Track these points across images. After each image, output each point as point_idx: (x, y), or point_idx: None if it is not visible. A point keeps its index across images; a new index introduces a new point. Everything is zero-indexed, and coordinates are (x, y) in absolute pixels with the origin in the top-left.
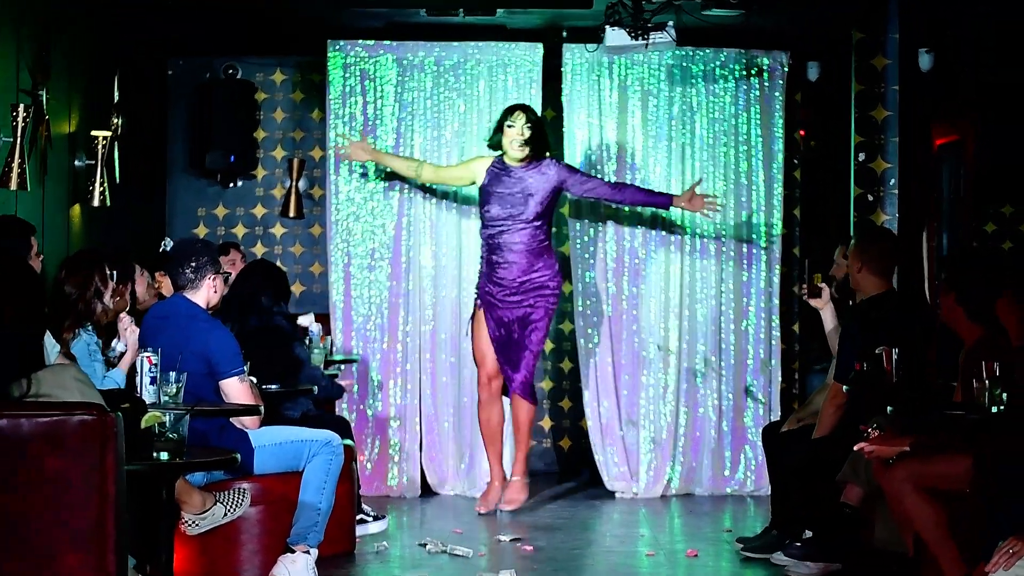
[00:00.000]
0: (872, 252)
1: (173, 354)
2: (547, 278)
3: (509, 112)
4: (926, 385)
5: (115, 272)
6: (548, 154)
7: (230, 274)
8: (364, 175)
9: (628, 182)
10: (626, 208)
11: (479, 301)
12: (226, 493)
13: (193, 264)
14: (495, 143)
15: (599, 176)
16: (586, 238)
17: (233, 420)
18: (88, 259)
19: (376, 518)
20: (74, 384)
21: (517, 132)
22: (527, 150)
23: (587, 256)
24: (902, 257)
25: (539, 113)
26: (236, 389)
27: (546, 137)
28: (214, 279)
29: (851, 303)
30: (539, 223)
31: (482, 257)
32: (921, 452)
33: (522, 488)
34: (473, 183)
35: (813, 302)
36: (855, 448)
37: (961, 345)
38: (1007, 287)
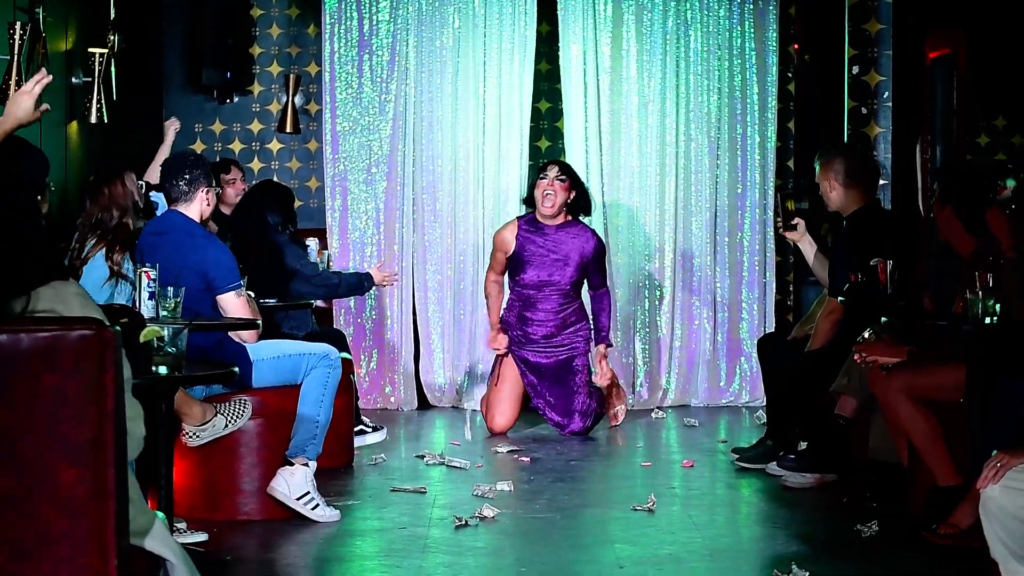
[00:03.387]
0: (837, 167)
1: (171, 269)
2: (581, 314)
3: (543, 166)
4: (920, 296)
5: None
6: (588, 222)
7: (221, 188)
8: (360, 90)
9: (607, 308)
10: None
11: (508, 341)
12: (226, 404)
13: (187, 176)
14: (529, 199)
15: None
16: (583, 152)
17: (231, 334)
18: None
19: (375, 429)
20: (74, 299)
21: (548, 183)
22: (556, 204)
23: (583, 169)
24: (869, 165)
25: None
26: (233, 304)
27: (586, 196)
28: (207, 192)
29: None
30: (575, 290)
31: (512, 300)
32: (916, 363)
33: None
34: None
35: (789, 235)
36: (853, 354)
37: (958, 256)
38: (995, 200)
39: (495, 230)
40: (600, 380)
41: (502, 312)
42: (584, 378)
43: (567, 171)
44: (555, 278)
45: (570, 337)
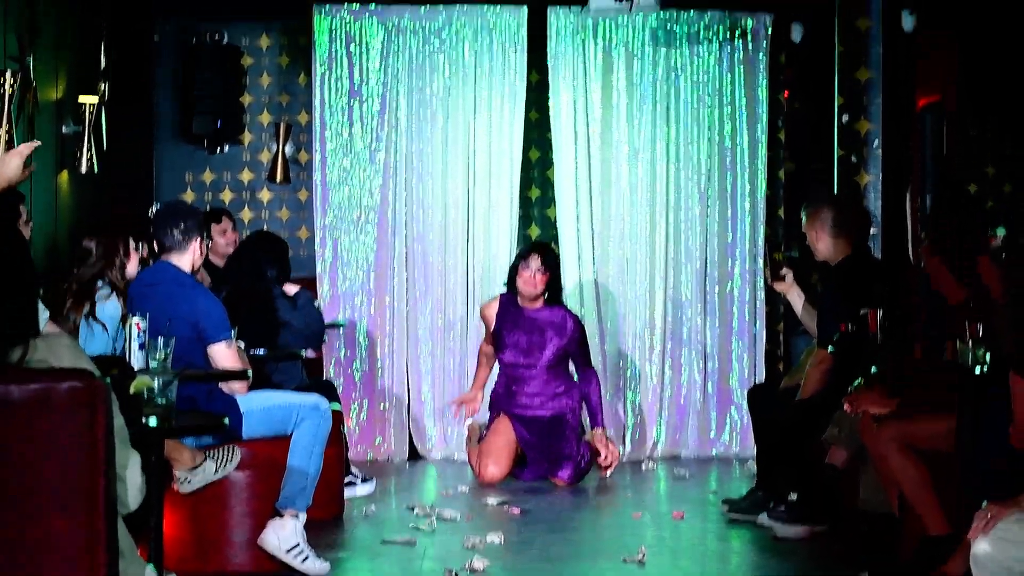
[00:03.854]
0: (824, 216)
1: (161, 320)
2: (570, 383)
3: (525, 253)
4: (910, 346)
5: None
6: (566, 307)
7: (212, 240)
8: (350, 139)
9: (596, 389)
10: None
11: (493, 408)
12: (216, 450)
13: (182, 226)
14: (510, 284)
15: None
16: (573, 202)
17: (222, 385)
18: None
19: (364, 480)
20: (65, 351)
21: (530, 275)
22: (538, 292)
23: (574, 219)
24: (857, 215)
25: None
26: (224, 354)
27: (560, 283)
28: (200, 243)
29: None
30: (558, 367)
31: (500, 374)
32: (906, 412)
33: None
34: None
35: (777, 286)
36: (843, 404)
37: (947, 306)
38: (986, 249)
39: (485, 280)
40: (607, 461)
41: (494, 384)
42: (574, 427)
43: (548, 262)
44: (532, 359)
45: (559, 401)
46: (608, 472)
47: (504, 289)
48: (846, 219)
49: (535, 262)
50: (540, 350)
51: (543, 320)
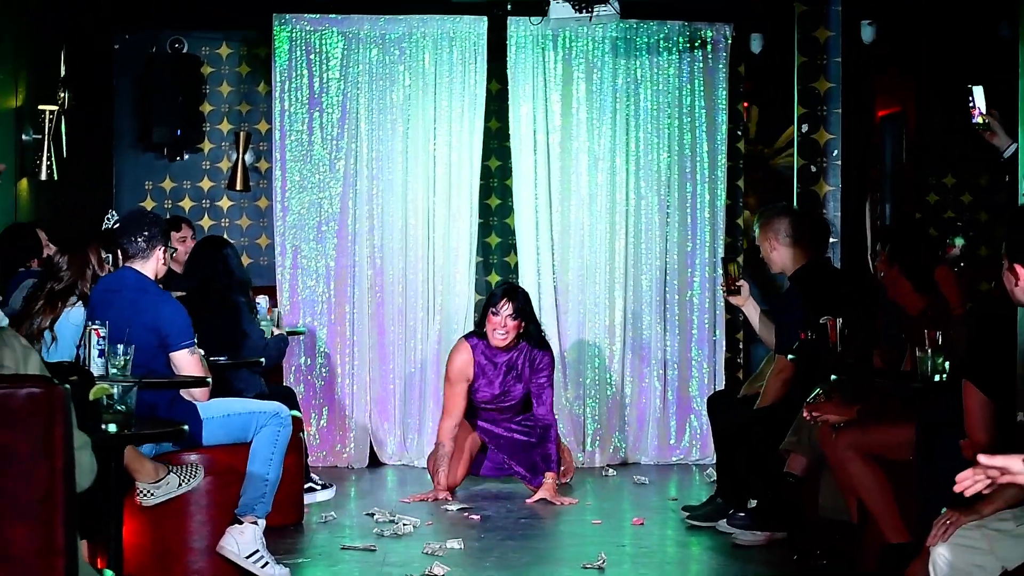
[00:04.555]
0: (778, 226)
1: (121, 327)
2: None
3: (497, 298)
4: (870, 354)
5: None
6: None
7: (175, 249)
8: (310, 148)
9: (553, 438)
10: (570, 183)
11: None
12: (180, 467)
13: (146, 233)
14: (480, 325)
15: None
16: (532, 210)
17: (183, 392)
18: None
19: (324, 486)
20: (16, 343)
21: (500, 323)
22: (507, 341)
23: (533, 227)
24: (813, 224)
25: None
26: (186, 361)
27: (538, 330)
28: (163, 251)
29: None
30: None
31: (472, 410)
32: (866, 420)
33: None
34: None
35: (733, 300)
36: (803, 413)
37: (906, 315)
38: (944, 258)
39: (445, 288)
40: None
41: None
42: (552, 432)
43: (520, 309)
44: (509, 390)
45: (533, 425)
46: (565, 480)
47: (470, 328)
48: (802, 228)
49: (505, 309)
50: (516, 383)
51: (517, 360)
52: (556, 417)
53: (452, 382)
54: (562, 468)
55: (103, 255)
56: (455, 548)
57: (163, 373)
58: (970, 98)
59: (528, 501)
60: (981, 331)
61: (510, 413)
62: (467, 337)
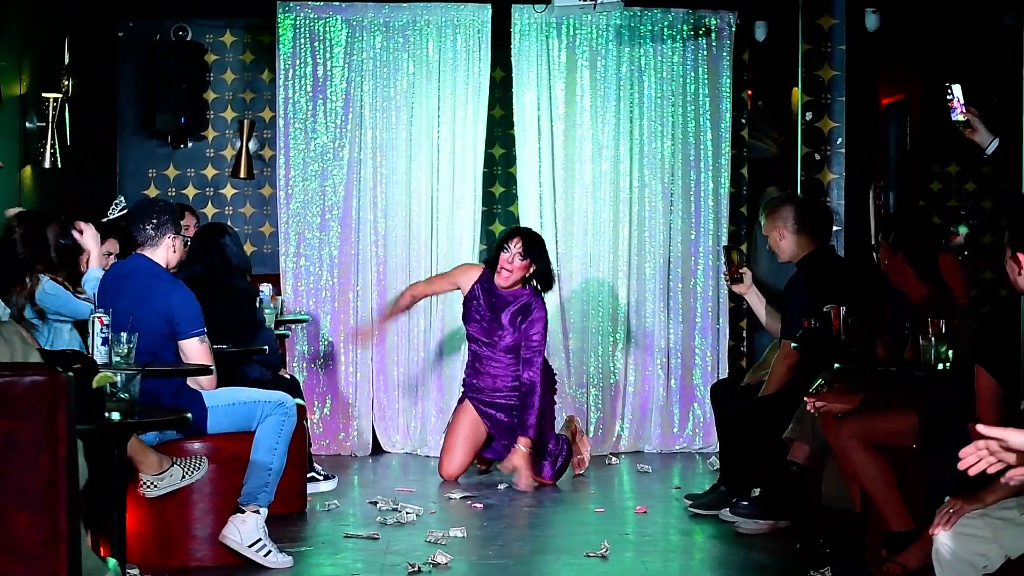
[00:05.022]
0: (785, 214)
1: (125, 314)
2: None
3: (509, 235)
4: (874, 343)
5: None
6: (543, 293)
7: (189, 238)
8: (314, 136)
9: (534, 405)
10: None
11: (464, 392)
12: (184, 459)
13: (155, 221)
14: (491, 261)
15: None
16: (536, 198)
17: (189, 381)
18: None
19: (327, 477)
20: (16, 340)
21: (508, 259)
22: (511, 281)
23: (537, 215)
24: (818, 211)
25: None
26: (196, 350)
27: (548, 273)
28: (173, 239)
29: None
30: (517, 355)
31: (468, 351)
32: (869, 408)
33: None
34: (458, 288)
35: (736, 289)
36: (805, 402)
37: (910, 303)
38: (948, 246)
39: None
40: (519, 483)
41: (465, 365)
42: (548, 420)
43: (531, 247)
44: (493, 339)
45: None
46: (580, 470)
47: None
48: (808, 215)
49: (515, 246)
50: (499, 331)
51: (513, 303)
52: (559, 405)
53: (449, 274)
54: (576, 459)
55: (57, 230)
56: (458, 536)
57: (171, 362)
58: (949, 95)
59: (501, 466)
60: (993, 317)
61: (500, 365)
62: (485, 264)
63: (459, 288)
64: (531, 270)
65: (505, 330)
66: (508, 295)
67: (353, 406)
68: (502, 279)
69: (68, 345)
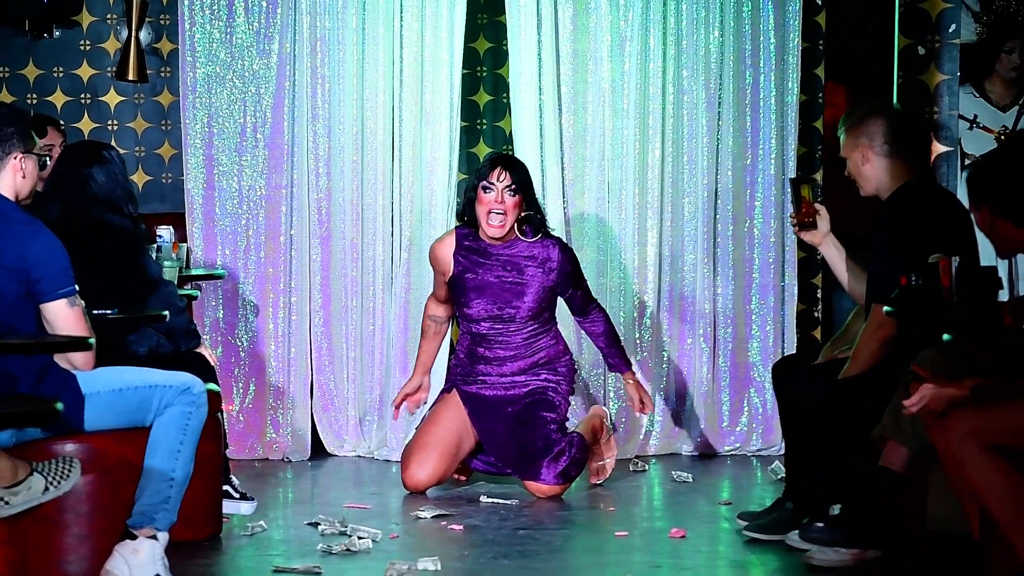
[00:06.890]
0: (873, 131)
1: None
2: (558, 348)
3: (487, 169)
4: (998, 307)
5: None
6: (546, 231)
7: (48, 156)
8: (232, 23)
9: (603, 330)
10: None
11: (449, 381)
12: (47, 463)
13: None
14: (464, 214)
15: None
16: (535, 109)
17: (58, 359)
18: None
19: (244, 496)
20: None
21: (495, 199)
22: (507, 226)
23: (535, 133)
24: (919, 129)
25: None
26: (65, 316)
27: (538, 213)
28: (22, 159)
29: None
30: (542, 316)
31: (463, 333)
32: (987, 398)
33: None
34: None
35: (807, 237)
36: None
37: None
38: None
39: (415, 215)
40: (643, 410)
41: (456, 349)
42: (559, 412)
43: (519, 180)
44: (508, 312)
45: (538, 376)
46: (599, 480)
47: (456, 223)
48: (903, 133)
49: (501, 181)
50: (518, 296)
51: (518, 255)
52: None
53: (433, 268)
54: (596, 464)
55: None
56: (429, 570)
57: (31, 334)
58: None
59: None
60: None
61: (517, 339)
62: (457, 228)
63: (446, 273)
64: (523, 211)
65: (527, 291)
66: (512, 251)
67: (286, 393)
68: (495, 228)
69: None
